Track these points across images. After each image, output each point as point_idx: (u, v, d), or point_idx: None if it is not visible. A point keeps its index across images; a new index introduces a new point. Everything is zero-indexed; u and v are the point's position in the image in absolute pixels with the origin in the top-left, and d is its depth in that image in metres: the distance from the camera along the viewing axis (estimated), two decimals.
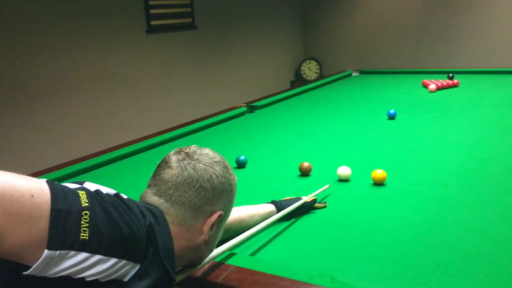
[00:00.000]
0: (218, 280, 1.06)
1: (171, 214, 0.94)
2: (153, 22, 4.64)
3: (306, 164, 1.80)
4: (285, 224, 1.40)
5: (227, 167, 1.01)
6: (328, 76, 4.26)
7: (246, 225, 1.31)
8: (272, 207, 1.40)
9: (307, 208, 1.47)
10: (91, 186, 0.82)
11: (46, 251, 0.68)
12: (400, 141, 2.23)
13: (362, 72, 4.51)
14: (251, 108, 3.06)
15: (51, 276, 0.71)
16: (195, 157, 0.98)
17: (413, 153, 2.03)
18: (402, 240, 1.27)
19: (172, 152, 1.01)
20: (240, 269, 1.09)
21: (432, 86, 3.36)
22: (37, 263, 0.68)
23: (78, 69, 4.02)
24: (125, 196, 0.87)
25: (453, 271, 1.11)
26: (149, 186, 0.99)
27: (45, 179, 0.75)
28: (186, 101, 5.25)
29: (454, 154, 1.99)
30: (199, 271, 1.09)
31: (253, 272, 1.08)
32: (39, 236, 0.68)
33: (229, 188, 1.00)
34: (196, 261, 1.02)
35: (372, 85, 3.82)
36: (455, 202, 1.50)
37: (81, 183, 0.82)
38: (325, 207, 1.51)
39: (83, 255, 0.71)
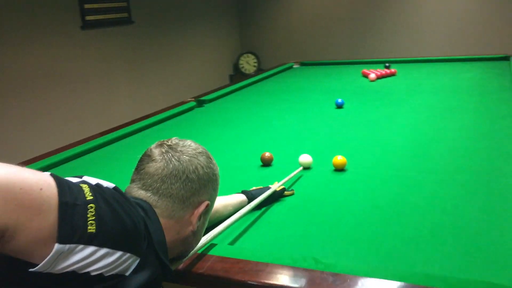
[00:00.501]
0: (202, 271, 1.06)
1: (160, 207, 0.93)
2: (88, 17, 4.47)
3: (267, 154, 1.83)
4: (257, 213, 1.42)
5: (210, 157, 1.02)
6: (270, 69, 4.31)
7: (221, 215, 1.32)
8: (243, 197, 1.42)
9: (277, 196, 1.50)
10: (91, 180, 0.80)
11: (56, 245, 0.67)
12: (352, 128, 2.31)
13: (302, 64, 4.61)
14: (200, 102, 3.05)
15: (57, 272, 0.69)
16: (179, 149, 0.98)
17: (366, 139, 2.11)
18: (371, 220, 1.32)
19: (154, 145, 1.01)
20: (223, 259, 1.10)
21: (372, 76, 3.50)
22: (47, 258, 0.67)
23: (8, 67, 3.79)
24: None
25: (422, 244, 1.18)
26: (132, 181, 0.97)
27: (49, 172, 0.72)
28: (125, 98, 5.11)
29: (403, 138, 2.10)
30: (182, 264, 1.08)
31: (237, 261, 1.08)
32: (47, 231, 0.67)
33: (214, 178, 1.01)
34: (184, 253, 1.02)
35: (315, 76, 3.92)
36: (412, 181, 1.58)
37: (80, 177, 0.80)
38: (292, 194, 1.54)
39: (91, 248, 0.71)
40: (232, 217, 1.26)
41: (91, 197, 0.74)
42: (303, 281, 0.99)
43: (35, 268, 0.67)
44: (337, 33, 6.88)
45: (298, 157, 1.78)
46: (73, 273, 0.70)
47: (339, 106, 2.70)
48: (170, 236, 0.93)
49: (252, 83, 3.72)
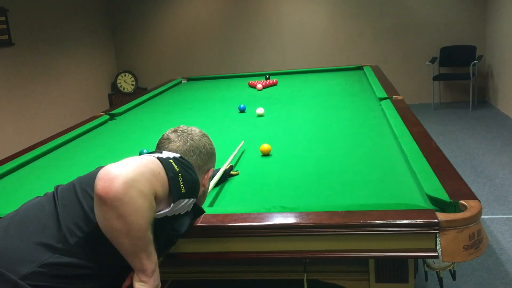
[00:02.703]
0: (203, 224, 1.40)
1: None
2: None
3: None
4: (213, 191, 1.78)
5: (209, 138, 1.44)
6: (162, 85, 4.60)
7: None
8: None
9: (226, 176, 1.88)
10: (171, 154, 1.22)
11: (172, 204, 1.13)
12: (262, 125, 2.78)
13: (189, 79, 4.99)
14: (111, 115, 3.26)
15: (159, 217, 1.12)
16: (189, 132, 1.39)
17: (276, 131, 2.59)
18: (305, 181, 1.79)
19: (169, 131, 1.40)
20: (214, 215, 1.44)
21: (259, 86, 4.03)
22: (167, 210, 1.13)
23: None
24: None
25: (340, 187, 1.66)
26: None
27: (156, 156, 1.16)
28: (5, 123, 4.95)
29: (303, 128, 2.62)
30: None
31: (226, 215, 1.44)
32: (166, 196, 1.12)
33: (214, 152, 1.44)
34: (200, 203, 1.42)
35: (207, 89, 4.33)
36: (324, 156, 2.09)
37: (161, 152, 1.24)
38: (238, 174, 1.93)
39: (184, 201, 1.15)
40: None
41: (177, 168, 1.15)
42: (280, 219, 1.39)
43: (160, 213, 1.12)
44: (211, 51, 7.41)
45: (227, 150, 2.17)
46: (166, 217, 1.14)
47: (242, 110, 3.15)
48: None
49: (151, 97, 3.99)
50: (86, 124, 3.01)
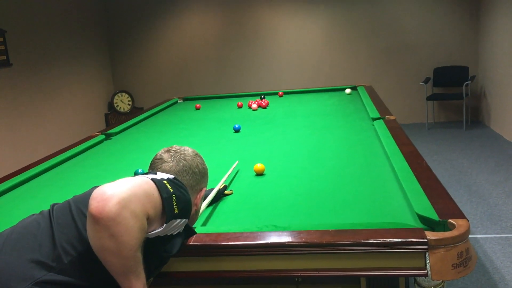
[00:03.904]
0: (195, 243, 1.42)
1: None
2: None
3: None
4: (207, 210, 1.80)
5: (202, 158, 1.46)
6: (157, 105, 4.65)
7: None
8: None
9: (220, 195, 1.90)
10: (164, 175, 1.23)
11: (165, 224, 1.16)
12: (256, 145, 2.81)
13: (185, 99, 5.04)
14: (107, 135, 3.28)
15: (151, 236, 1.14)
16: (182, 152, 1.41)
17: (270, 151, 2.62)
18: (297, 200, 1.81)
19: (162, 151, 1.43)
20: (207, 234, 1.46)
21: (254, 106, 4.08)
22: (160, 230, 1.15)
23: None
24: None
25: (332, 206, 1.68)
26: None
27: (150, 177, 1.17)
28: (2, 143, 4.97)
29: (297, 148, 2.65)
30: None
31: (219, 234, 1.45)
32: (158, 216, 1.14)
33: (207, 172, 1.47)
34: (192, 221, 1.44)
35: (202, 108, 4.38)
36: (316, 175, 2.11)
37: (155, 173, 1.25)
38: (231, 194, 1.96)
39: (176, 221, 1.18)
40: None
41: (172, 189, 1.18)
42: (272, 238, 1.41)
43: (152, 233, 1.14)
44: (207, 71, 7.49)
45: (222, 170, 2.20)
46: (158, 237, 1.16)
47: (237, 130, 3.19)
48: None
49: (147, 117, 4.03)
50: (82, 144, 3.03)
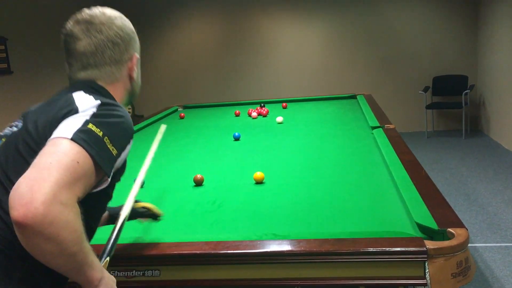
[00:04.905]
0: (195, 252, 1.42)
1: (103, 77, 1.18)
2: None
3: (199, 176, 2.21)
4: (207, 218, 1.80)
5: (122, 17, 1.23)
6: (158, 113, 4.66)
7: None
8: (106, 213, 1.45)
9: (138, 215, 1.55)
10: (85, 113, 1.05)
11: (108, 179, 1.05)
12: (256, 153, 2.81)
13: (185, 107, 5.05)
14: None
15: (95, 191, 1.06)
16: (95, 20, 1.16)
17: (269, 160, 2.62)
18: (296, 208, 1.81)
19: (71, 23, 1.19)
20: (206, 242, 1.46)
21: (254, 114, 4.09)
22: (105, 186, 1.06)
23: None
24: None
25: (331, 215, 1.68)
26: (71, 64, 1.21)
27: (68, 139, 0.97)
28: None
29: (296, 156, 2.65)
30: (176, 250, 1.42)
31: (218, 242, 1.45)
32: (93, 178, 1.00)
33: (132, 33, 1.25)
34: (134, 98, 1.37)
35: (202, 116, 4.39)
36: (316, 183, 2.12)
37: (76, 110, 1.06)
38: (159, 217, 1.58)
39: (120, 157, 1.07)
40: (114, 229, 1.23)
41: (100, 132, 1.00)
42: (271, 247, 1.41)
43: (97, 189, 1.05)
44: (207, 79, 7.52)
45: (220, 178, 2.20)
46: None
47: (237, 138, 3.19)
48: (121, 94, 1.24)
49: (147, 124, 4.03)
50: None
